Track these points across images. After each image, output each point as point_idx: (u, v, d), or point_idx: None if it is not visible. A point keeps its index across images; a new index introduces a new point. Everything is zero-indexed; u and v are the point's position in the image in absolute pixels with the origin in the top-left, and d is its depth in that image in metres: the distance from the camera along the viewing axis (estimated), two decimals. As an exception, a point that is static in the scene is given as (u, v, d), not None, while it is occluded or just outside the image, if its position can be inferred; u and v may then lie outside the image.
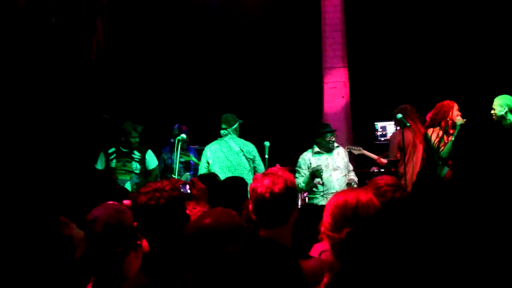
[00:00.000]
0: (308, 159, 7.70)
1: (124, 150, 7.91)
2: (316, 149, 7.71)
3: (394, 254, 2.60)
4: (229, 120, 7.63)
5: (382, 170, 8.53)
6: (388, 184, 3.72)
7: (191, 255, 2.65)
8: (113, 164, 7.83)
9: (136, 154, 7.94)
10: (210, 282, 2.64)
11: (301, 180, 7.55)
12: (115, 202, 3.42)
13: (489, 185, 2.55)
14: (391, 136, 7.97)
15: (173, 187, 3.07)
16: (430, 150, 6.97)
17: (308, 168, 7.62)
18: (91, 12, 10.36)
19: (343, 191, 2.84)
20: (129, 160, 7.88)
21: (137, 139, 7.92)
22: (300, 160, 7.75)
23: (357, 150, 8.43)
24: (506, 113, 7.33)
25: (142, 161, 7.93)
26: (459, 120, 6.90)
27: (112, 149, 7.95)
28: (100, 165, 7.89)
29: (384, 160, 7.95)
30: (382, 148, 8.65)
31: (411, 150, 7.42)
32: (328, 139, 7.68)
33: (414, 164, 7.28)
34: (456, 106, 7.06)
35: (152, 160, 8.08)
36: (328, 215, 2.76)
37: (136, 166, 7.85)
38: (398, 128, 7.77)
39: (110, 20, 10.88)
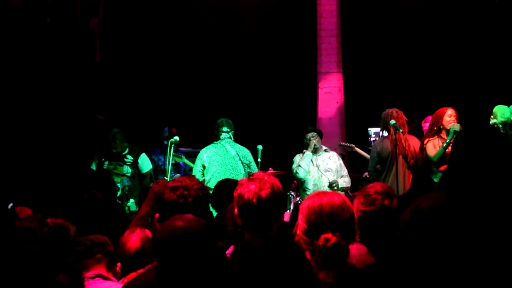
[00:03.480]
0: (300, 159, 7.78)
1: (115, 153, 7.89)
2: (304, 150, 7.80)
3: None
4: (230, 124, 7.67)
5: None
6: (378, 191, 3.70)
7: (163, 257, 2.62)
8: (105, 166, 7.82)
9: (129, 158, 7.91)
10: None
11: (300, 162, 7.66)
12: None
13: (485, 193, 2.55)
14: (372, 146, 7.91)
15: (201, 186, 3.07)
16: (426, 159, 7.00)
17: None
18: (86, 13, 10.36)
19: (316, 194, 2.83)
20: (120, 164, 7.86)
21: (118, 148, 7.87)
22: (294, 159, 7.85)
23: (350, 148, 8.44)
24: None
25: (135, 165, 7.91)
26: (453, 126, 6.90)
27: (103, 152, 7.95)
28: (94, 166, 7.90)
29: None
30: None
31: (390, 161, 7.36)
32: (309, 139, 7.74)
33: (393, 176, 7.22)
34: (448, 112, 7.05)
35: (145, 164, 8.05)
36: (303, 219, 2.76)
37: (127, 170, 7.82)
38: (382, 134, 7.74)
39: (106, 22, 10.89)
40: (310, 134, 7.78)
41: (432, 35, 10.96)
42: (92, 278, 3.37)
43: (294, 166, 7.76)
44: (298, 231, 2.76)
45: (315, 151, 7.73)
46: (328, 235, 2.67)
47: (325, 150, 7.87)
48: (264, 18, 11.36)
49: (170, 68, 11.33)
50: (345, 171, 7.85)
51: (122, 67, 11.06)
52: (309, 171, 7.66)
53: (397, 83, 10.94)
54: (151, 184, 7.89)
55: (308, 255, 2.74)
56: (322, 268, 2.67)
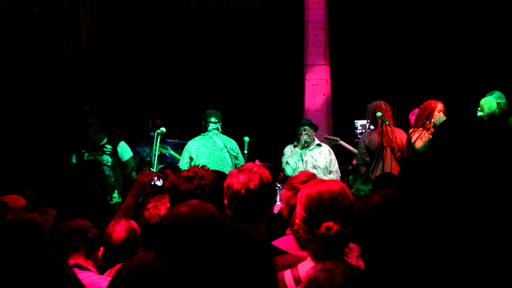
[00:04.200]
0: (290, 151, 7.71)
1: (93, 143, 7.78)
2: (296, 143, 7.71)
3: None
4: (219, 115, 7.64)
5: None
6: (302, 181, 3.65)
7: (168, 243, 2.61)
8: (85, 157, 7.72)
9: (108, 147, 7.80)
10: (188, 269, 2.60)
11: (288, 159, 7.60)
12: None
13: (464, 181, 2.56)
14: (359, 139, 7.83)
15: (216, 176, 3.06)
16: (412, 151, 6.99)
17: None
18: (73, 2, 10.29)
19: (315, 182, 2.79)
20: (100, 154, 7.75)
21: (93, 139, 7.77)
22: (284, 151, 7.77)
23: (334, 141, 8.41)
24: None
25: (114, 154, 7.78)
26: (439, 118, 6.90)
27: (83, 143, 7.86)
28: (74, 159, 7.80)
29: None
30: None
31: (379, 154, 7.33)
32: (300, 133, 7.65)
33: (381, 169, 7.17)
34: (439, 106, 7.04)
35: (125, 152, 7.90)
36: (301, 208, 2.71)
37: (107, 159, 7.72)
38: (369, 127, 7.70)
39: (93, 12, 10.82)
40: (301, 128, 7.65)
41: (419, 28, 10.98)
42: (69, 267, 3.34)
43: (283, 159, 7.69)
44: (296, 220, 2.72)
45: (305, 146, 7.64)
46: (330, 223, 2.62)
47: (318, 145, 7.76)
48: (251, 10, 11.32)
49: (157, 59, 11.27)
50: (335, 167, 7.73)
51: (108, 58, 11.00)
52: (298, 168, 7.59)
53: (384, 75, 10.95)
54: (134, 174, 7.88)
55: (307, 244, 2.73)
56: (321, 258, 2.63)
